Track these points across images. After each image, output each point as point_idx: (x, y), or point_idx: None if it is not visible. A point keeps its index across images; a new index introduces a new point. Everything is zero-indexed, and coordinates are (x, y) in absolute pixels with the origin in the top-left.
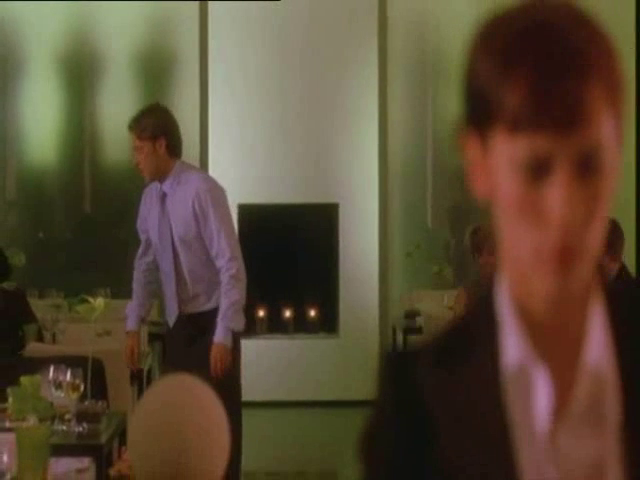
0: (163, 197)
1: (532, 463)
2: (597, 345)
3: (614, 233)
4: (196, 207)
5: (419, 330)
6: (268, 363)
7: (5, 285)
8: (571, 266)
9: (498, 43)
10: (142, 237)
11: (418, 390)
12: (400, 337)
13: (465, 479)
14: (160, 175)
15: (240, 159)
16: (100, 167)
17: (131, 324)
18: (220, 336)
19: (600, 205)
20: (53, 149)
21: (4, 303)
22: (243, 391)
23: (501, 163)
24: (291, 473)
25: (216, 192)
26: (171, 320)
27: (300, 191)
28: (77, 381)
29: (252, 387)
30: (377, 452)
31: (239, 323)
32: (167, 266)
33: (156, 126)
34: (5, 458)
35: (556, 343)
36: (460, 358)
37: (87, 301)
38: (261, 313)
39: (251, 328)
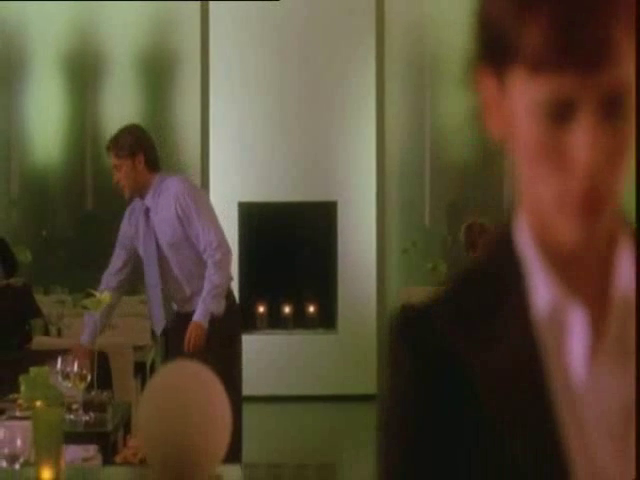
0: (147, 211)
1: (570, 405)
2: (626, 276)
3: None
4: (179, 210)
5: None
6: (268, 358)
7: (12, 281)
8: (596, 212)
9: None
10: (120, 252)
11: (443, 342)
12: None
13: (503, 427)
14: (141, 190)
15: (240, 158)
16: (102, 166)
17: (87, 337)
18: (199, 316)
19: (625, 149)
20: (56, 148)
21: (12, 299)
22: (243, 386)
23: (520, 105)
24: (291, 465)
25: (195, 192)
26: (158, 329)
27: (299, 189)
28: (84, 371)
29: (252, 382)
30: (406, 420)
31: (218, 307)
32: (153, 279)
33: (133, 143)
34: (19, 442)
35: (584, 280)
36: (487, 302)
37: (93, 295)
38: (261, 309)
39: (251, 324)
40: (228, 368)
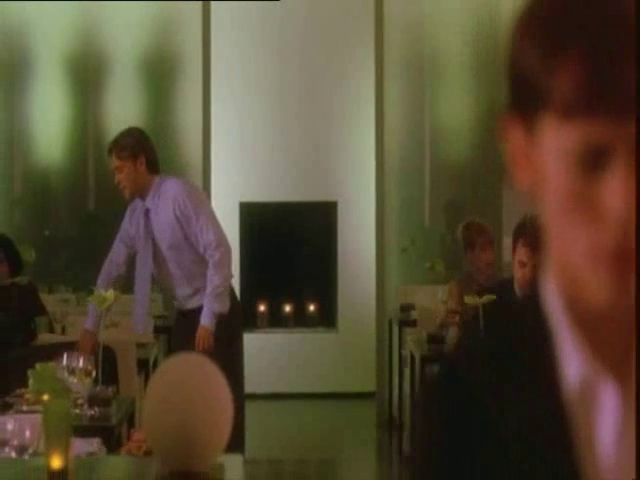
0: (147, 212)
1: (596, 475)
2: None
3: None
4: (177, 212)
5: (414, 323)
6: (269, 357)
7: (17, 279)
8: (629, 266)
9: (544, 20)
10: (120, 247)
11: (473, 405)
12: (396, 330)
13: None
14: (141, 192)
15: (241, 159)
16: (104, 166)
17: (91, 323)
18: (204, 319)
19: None
20: (58, 149)
21: (17, 297)
22: (245, 384)
23: (550, 154)
24: (292, 460)
25: (193, 193)
26: (138, 328)
27: (299, 189)
28: (89, 367)
29: (253, 380)
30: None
31: (223, 306)
32: (145, 273)
33: (135, 145)
34: (28, 434)
35: (613, 341)
36: (515, 366)
37: (97, 292)
38: (262, 308)
39: (252, 323)
40: (230, 366)
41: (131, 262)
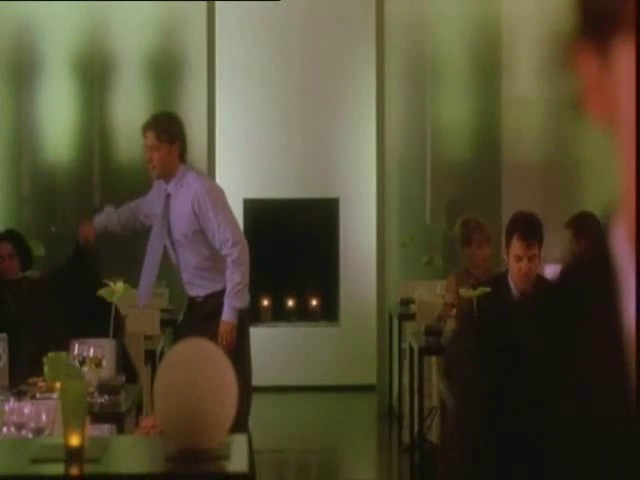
0: (168, 197)
1: None
2: None
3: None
4: (196, 208)
5: (413, 316)
6: (272, 350)
7: (28, 273)
8: None
9: None
10: (130, 210)
11: (522, 345)
12: (396, 323)
13: (575, 449)
14: (167, 175)
15: (245, 156)
16: (110, 164)
17: (96, 220)
18: (226, 315)
19: None
20: (65, 147)
21: (29, 290)
22: None
23: (625, 79)
24: (294, 450)
25: (212, 191)
26: (141, 299)
27: (302, 186)
28: (99, 356)
29: (257, 373)
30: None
31: (243, 301)
32: (157, 246)
33: (174, 131)
34: (44, 417)
35: None
36: (575, 310)
37: (107, 285)
38: (265, 302)
39: (256, 317)
40: (239, 358)
41: (139, 223)
